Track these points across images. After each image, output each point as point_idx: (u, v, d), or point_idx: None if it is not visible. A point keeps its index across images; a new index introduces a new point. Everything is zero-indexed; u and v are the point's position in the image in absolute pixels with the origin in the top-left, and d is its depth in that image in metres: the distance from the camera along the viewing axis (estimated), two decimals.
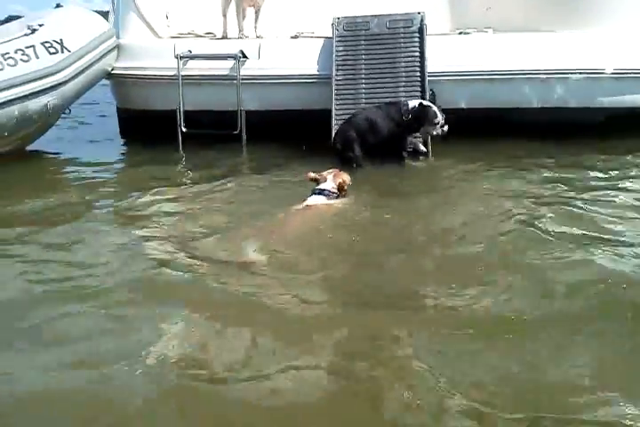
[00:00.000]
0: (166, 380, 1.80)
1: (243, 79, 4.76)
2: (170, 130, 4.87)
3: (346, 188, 3.37)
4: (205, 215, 3.29)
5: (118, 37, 5.32)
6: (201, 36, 5.70)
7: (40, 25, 4.80)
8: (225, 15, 5.46)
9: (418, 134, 4.24)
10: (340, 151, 4.17)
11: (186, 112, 4.85)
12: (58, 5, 5.86)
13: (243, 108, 4.77)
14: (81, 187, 4.04)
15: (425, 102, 4.13)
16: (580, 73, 4.60)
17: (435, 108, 4.08)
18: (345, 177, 3.38)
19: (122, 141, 5.55)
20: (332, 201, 3.28)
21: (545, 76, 4.56)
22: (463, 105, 4.59)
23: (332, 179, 3.33)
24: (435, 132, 4.12)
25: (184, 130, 4.85)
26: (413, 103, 4.11)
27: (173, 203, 3.59)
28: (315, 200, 3.24)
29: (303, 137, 4.36)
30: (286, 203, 3.24)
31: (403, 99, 4.27)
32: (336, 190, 3.30)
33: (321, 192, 3.28)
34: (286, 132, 4.47)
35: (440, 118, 4.07)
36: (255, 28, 5.36)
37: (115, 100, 5.71)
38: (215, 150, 4.65)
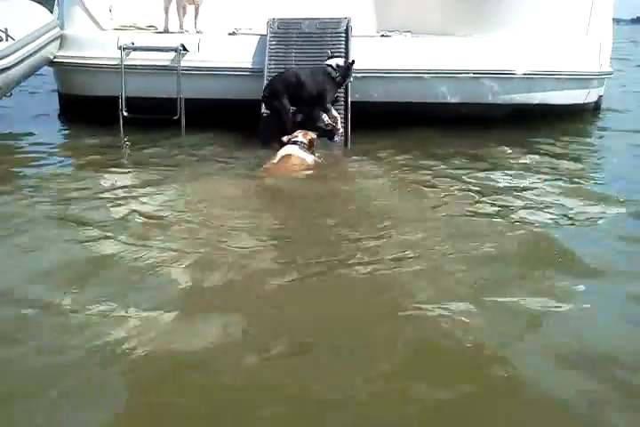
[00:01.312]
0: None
1: (183, 70, 5.17)
2: (110, 114, 5.18)
3: (314, 143, 4.24)
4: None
5: (63, 28, 5.63)
6: (143, 29, 6.04)
7: None
8: (167, 11, 5.81)
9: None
10: (268, 101, 4.65)
11: (127, 98, 5.20)
12: None
13: (182, 95, 5.17)
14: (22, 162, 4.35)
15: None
16: (488, 73, 5.23)
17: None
18: (312, 135, 4.28)
19: (61, 123, 5.86)
20: (304, 155, 4.07)
21: (454, 75, 5.16)
22: (381, 99, 5.13)
23: (302, 135, 4.21)
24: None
25: (125, 114, 5.20)
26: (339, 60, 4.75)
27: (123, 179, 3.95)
28: (290, 149, 4.07)
29: (235, 124, 4.79)
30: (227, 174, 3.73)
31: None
32: (306, 143, 4.15)
33: (295, 142, 4.14)
34: (221, 119, 4.88)
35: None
36: (195, 24, 5.74)
37: (57, 86, 6.00)
38: (155, 133, 5.01)
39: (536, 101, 5.30)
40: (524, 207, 3.40)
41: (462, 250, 2.73)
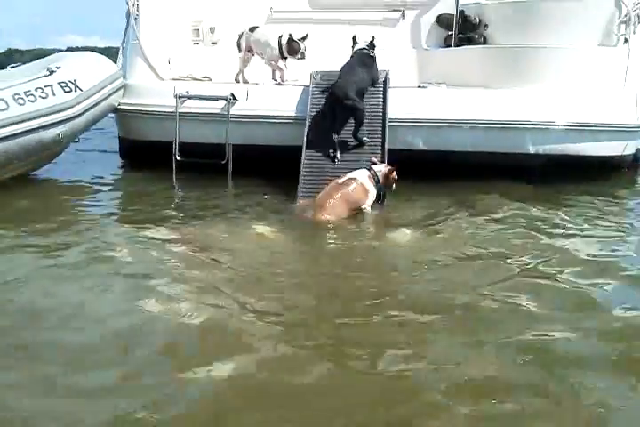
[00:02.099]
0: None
1: (232, 117, 5.53)
2: (165, 158, 5.59)
3: (392, 181, 4.35)
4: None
5: (125, 78, 6.14)
6: (198, 80, 6.50)
7: (58, 67, 5.54)
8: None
9: None
10: (343, 103, 4.96)
11: (181, 143, 5.58)
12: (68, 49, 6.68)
13: (230, 141, 5.51)
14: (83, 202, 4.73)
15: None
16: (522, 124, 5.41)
17: None
18: (395, 173, 4.35)
19: (121, 165, 6.32)
20: (370, 186, 4.25)
21: (483, 125, 5.35)
22: (419, 146, 5.35)
23: (384, 166, 4.35)
24: None
25: (178, 158, 5.57)
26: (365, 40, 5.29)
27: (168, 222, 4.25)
28: (360, 174, 4.24)
29: (279, 168, 5.06)
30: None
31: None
32: (382, 174, 4.27)
33: (369, 169, 4.28)
34: (266, 163, 5.18)
35: None
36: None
37: (118, 131, 6.47)
38: (205, 177, 5.35)
39: (573, 153, 5.41)
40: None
41: None
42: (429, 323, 2.63)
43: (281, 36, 5.82)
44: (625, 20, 5.79)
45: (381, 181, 4.35)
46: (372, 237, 4.09)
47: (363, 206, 4.34)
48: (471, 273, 3.25)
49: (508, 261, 3.43)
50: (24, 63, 6.21)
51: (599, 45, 5.87)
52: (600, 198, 5.01)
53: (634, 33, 5.82)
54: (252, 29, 6.05)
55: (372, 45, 5.26)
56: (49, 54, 6.34)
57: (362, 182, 4.34)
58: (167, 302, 2.78)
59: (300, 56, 5.78)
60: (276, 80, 6.01)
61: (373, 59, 5.22)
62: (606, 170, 5.53)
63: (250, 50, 6.11)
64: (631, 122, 5.56)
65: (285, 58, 5.88)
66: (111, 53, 6.80)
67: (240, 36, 6.10)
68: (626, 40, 5.80)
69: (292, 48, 5.75)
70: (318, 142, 5.08)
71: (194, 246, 3.69)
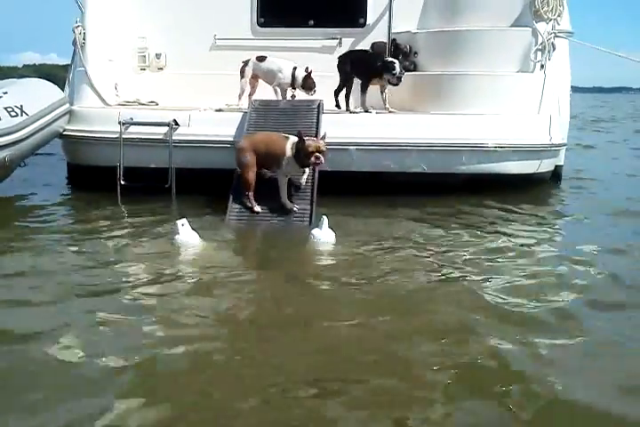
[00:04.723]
0: None
1: (174, 142, 5.80)
2: (111, 182, 5.81)
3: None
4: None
5: (72, 104, 6.35)
6: (144, 105, 6.76)
7: (4, 93, 5.74)
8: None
9: None
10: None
11: (125, 168, 5.82)
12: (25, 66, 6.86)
13: (173, 165, 5.77)
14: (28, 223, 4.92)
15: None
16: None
17: None
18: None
19: (67, 190, 6.52)
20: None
21: (406, 147, 5.75)
22: (347, 168, 5.68)
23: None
24: None
25: (122, 183, 5.81)
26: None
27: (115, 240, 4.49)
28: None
29: (220, 191, 5.36)
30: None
31: None
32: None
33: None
34: (209, 186, 5.46)
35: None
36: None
37: (65, 156, 6.66)
38: (148, 200, 5.59)
39: (493, 171, 5.84)
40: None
41: None
42: None
43: (295, 69, 6.12)
44: (541, 48, 6.30)
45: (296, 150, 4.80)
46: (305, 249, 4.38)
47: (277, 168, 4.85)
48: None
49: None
50: None
51: (518, 71, 6.36)
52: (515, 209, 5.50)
53: (549, 60, 6.33)
54: (261, 59, 6.31)
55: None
56: (2, 71, 6.53)
57: (287, 142, 4.86)
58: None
59: (312, 93, 6.09)
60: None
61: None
62: (524, 185, 5.98)
63: (254, 77, 6.36)
64: (545, 142, 6.05)
65: (294, 88, 6.18)
66: (59, 81, 7.02)
67: (245, 64, 6.32)
68: (542, 66, 6.30)
69: (308, 84, 6.06)
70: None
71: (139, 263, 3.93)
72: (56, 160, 7.64)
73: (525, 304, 3.25)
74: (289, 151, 4.87)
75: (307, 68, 6.12)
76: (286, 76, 6.15)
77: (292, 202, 5.03)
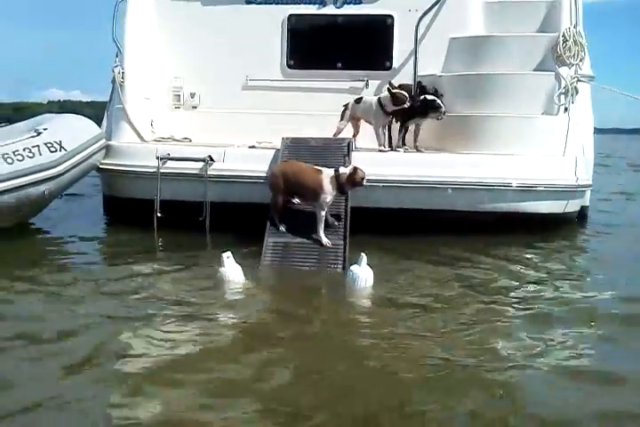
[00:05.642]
0: None
1: (209, 177, 5.99)
2: (147, 214, 5.96)
3: (359, 180, 5.02)
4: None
5: (110, 139, 6.59)
6: (178, 141, 7.00)
7: (44, 129, 5.99)
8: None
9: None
10: None
11: (162, 201, 6.00)
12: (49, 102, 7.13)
13: (208, 199, 5.94)
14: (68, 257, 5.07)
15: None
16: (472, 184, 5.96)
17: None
18: (359, 172, 5.06)
19: (105, 221, 6.71)
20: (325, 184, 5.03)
21: (440, 186, 5.90)
22: (379, 205, 5.80)
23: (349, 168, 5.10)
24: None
25: (159, 215, 5.97)
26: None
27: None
28: (326, 169, 5.13)
29: (254, 225, 5.49)
30: None
31: None
32: (346, 175, 4.99)
33: (336, 170, 5.10)
34: (243, 221, 5.59)
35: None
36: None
37: (102, 188, 6.88)
38: (184, 232, 5.73)
39: (521, 210, 5.96)
40: None
41: None
42: None
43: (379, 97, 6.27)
44: (564, 91, 6.51)
45: (344, 181, 4.96)
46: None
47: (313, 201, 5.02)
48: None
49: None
50: (7, 120, 6.59)
51: (542, 114, 6.55)
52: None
53: (572, 103, 6.52)
54: (358, 101, 6.52)
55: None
56: (29, 107, 6.82)
57: (323, 176, 4.99)
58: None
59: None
60: (383, 146, 6.36)
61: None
62: (551, 225, 6.09)
63: (355, 118, 6.55)
64: (571, 183, 6.18)
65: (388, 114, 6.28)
66: (93, 106, 7.27)
67: (346, 107, 6.52)
68: (566, 109, 6.49)
69: (396, 99, 6.16)
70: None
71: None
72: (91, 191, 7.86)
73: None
74: (327, 184, 5.00)
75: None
76: (382, 113, 6.25)
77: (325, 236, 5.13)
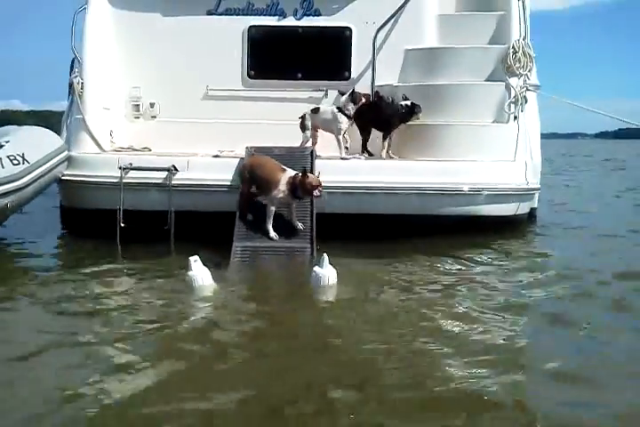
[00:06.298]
0: None
1: (173, 186, 6.04)
2: (108, 225, 5.95)
3: (309, 187, 5.15)
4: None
5: (70, 150, 6.54)
6: (138, 151, 7.01)
7: (6, 141, 5.91)
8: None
9: None
10: None
11: (124, 211, 5.99)
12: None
13: (172, 208, 5.98)
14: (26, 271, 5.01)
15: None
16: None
17: None
18: (310, 178, 5.20)
19: (64, 233, 6.65)
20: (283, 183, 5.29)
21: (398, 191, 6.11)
22: (339, 210, 5.90)
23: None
24: None
25: (122, 225, 5.97)
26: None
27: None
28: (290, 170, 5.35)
29: (219, 233, 5.56)
30: None
31: None
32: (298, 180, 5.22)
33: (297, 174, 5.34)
34: (208, 229, 5.65)
35: None
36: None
37: (62, 200, 6.81)
38: (148, 242, 5.75)
39: (475, 213, 6.22)
40: None
41: None
42: None
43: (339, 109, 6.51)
44: (514, 100, 6.83)
45: (297, 184, 5.16)
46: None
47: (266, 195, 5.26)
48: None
49: None
50: None
51: (494, 122, 6.86)
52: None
53: (522, 111, 6.85)
54: (315, 110, 6.66)
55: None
56: None
57: (283, 174, 5.22)
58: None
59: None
60: (345, 155, 6.51)
61: None
62: (505, 227, 6.38)
63: (314, 128, 6.66)
64: (522, 186, 6.49)
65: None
66: (34, 116, 7.20)
67: (304, 118, 6.62)
68: (515, 117, 6.80)
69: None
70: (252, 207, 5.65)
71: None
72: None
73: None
74: (283, 183, 5.16)
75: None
76: (341, 122, 6.52)
77: (290, 240, 5.26)
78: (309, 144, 6.62)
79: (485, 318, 3.80)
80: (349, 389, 2.77)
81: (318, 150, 6.56)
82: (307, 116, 6.67)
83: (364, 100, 6.57)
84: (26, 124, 6.78)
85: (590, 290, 4.43)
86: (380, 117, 6.69)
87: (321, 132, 6.77)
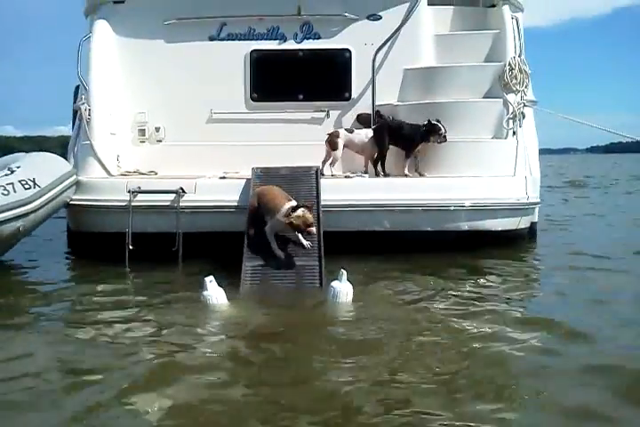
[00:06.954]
0: None
1: (181, 208, 6.15)
2: (116, 248, 6.02)
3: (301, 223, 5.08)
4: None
5: (78, 175, 6.67)
6: (145, 174, 7.15)
7: (18, 167, 6.08)
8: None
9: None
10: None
11: (133, 233, 6.09)
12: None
13: (180, 230, 6.09)
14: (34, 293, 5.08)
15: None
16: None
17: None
18: (301, 212, 5.12)
19: (71, 257, 6.76)
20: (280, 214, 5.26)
21: (402, 208, 6.23)
22: (345, 228, 6.05)
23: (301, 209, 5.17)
24: None
25: (131, 247, 6.07)
26: None
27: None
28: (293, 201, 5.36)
29: (227, 253, 5.63)
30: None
31: None
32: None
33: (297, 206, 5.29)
34: (216, 250, 5.75)
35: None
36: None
37: (69, 223, 6.93)
38: (156, 263, 5.84)
39: (477, 228, 6.32)
40: None
41: None
42: None
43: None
44: (512, 116, 6.97)
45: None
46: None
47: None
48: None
49: None
50: None
51: (493, 138, 7.00)
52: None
53: (520, 127, 6.99)
54: (350, 131, 6.93)
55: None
56: None
57: (285, 204, 5.23)
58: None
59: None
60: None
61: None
62: (508, 241, 6.47)
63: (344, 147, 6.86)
64: (523, 201, 6.59)
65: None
66: (28, 142, 7.36)
67: (336, 136, 6.83)
68: (514, 133, 6.94)
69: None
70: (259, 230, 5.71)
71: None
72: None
73: None
74: (282, 212, 5.23)
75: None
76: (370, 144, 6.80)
77: (299, 258, 5.35)
78: (330, 162, 6.79)
79: (501, 335, 3.83)
80: (379, 405, 2.82)
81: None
82: (341, 134, 6.83)
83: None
84: (21, 151, 6.91)
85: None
86: (402, 137, 6.84)
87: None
